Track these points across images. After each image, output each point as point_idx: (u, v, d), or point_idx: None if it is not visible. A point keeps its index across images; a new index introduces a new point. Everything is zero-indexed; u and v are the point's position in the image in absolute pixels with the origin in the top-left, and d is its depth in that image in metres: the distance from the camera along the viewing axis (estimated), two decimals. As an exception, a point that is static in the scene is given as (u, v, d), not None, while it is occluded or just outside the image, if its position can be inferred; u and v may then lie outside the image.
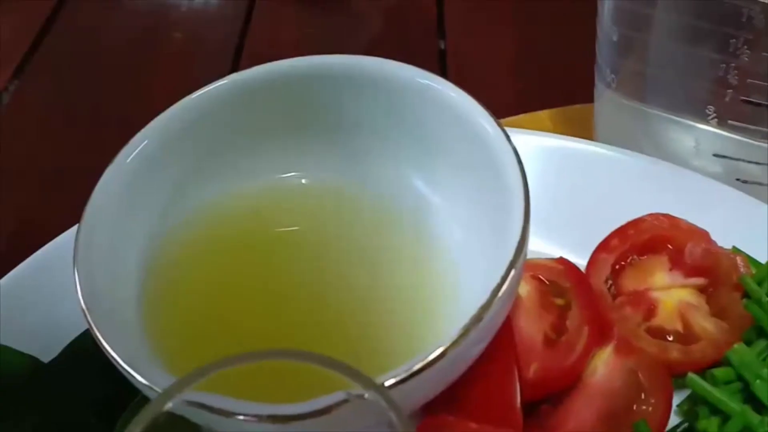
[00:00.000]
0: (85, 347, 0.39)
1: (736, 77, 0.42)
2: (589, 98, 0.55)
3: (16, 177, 0.59)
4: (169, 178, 0.40)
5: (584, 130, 0.54)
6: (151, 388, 0.31)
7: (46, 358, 0.39)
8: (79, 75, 0.69)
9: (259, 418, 0.30)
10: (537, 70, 0.64)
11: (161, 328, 0.38)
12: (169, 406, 0.28)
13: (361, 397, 0.27)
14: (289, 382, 0.30)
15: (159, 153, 0.39)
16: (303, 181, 0.43)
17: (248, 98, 0.41)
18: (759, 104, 0.41)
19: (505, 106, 0.56)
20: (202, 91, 0.40)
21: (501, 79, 0.66)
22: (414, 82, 0.40)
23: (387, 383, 0.29)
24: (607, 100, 0.51)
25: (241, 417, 0.29)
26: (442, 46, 0.68)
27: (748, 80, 0.41)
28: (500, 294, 0.32)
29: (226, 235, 0.41)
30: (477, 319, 0.32)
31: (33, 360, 0.39)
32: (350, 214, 0.42)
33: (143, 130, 0.39)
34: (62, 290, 0.39)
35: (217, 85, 0.40)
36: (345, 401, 0.28)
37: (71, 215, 0.48)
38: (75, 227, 0.41)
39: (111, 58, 0.71)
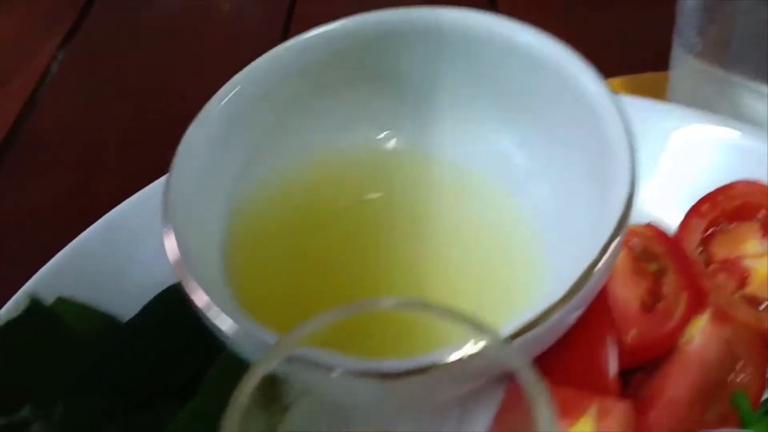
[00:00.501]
0: (162, 307, 0.38)
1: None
2: (660, 66, 0.54)
3: (63, 147, 0.58)
4: (253, 132, 0.39)
5: (657, 98, 0.52)
6: (250, 341, 0.30)
7: (123, 318, 0.38)
8: (128, 44, 0.68)
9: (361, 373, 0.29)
10: (605, 36, 0.62)
11: (245, 283, 0.37)
12: (278, 362, 0.27)
13: (484, 350, 0.26)
14: (390, 338, 0.30)
15: (248, 102, 0.38)
16: (385, 142, 0.42)
17: (330, 54, 0.40)
18: None
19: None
20: (287, 44, 0.39)
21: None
22: (501, 35, 0.38)
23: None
24: (687, 66, 0.50)
25: (341, 372, 0.28)
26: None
27: None
28: (608, 252, 0.31)
29: (309, 194, 0.41)
30: (585, 277, 0.31)
31: (113, 319, 0.38)
32: (434, 178, 0.41)
33: (234, 79, 0.38)
34: (138, 250, 0.39)
35: (302, 38, 0.39)
36: (468, 355, 0.27)
37: (118, 184, 0.48)
38: (144, 189, 0.40)
39: (159, 28, 0.70)
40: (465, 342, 0.27)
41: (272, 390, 0.29)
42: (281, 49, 0.39)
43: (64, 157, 0.58)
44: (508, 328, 0.29)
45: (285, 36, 0.66)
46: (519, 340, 0.29)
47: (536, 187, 0.38)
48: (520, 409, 0.27)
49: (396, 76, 0.41)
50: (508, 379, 0.29)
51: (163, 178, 0.40)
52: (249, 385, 0.26)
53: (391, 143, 0.42)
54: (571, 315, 0.32)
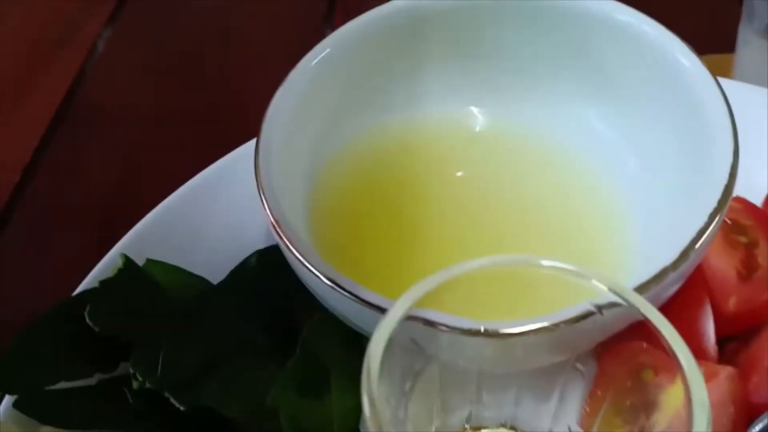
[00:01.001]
0: (251, 270, 0.38)
1: None
2: (722, 48, 0.54)
3: (119, 121, 0.58)
4: (340, 93, 0.39)
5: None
6: (351, 300, 0.30)
7: (214, 280, 0.38)
8: (174, 21, 0.68)
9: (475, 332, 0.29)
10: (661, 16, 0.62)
11: (330, 245, 0.37)
12: (402, 321, 0.27)
13: (613, 305, 0.26)
14: (506, 296, 0.30)
15: (336, 65, 0.38)
16: (470, 116, 0.42)
17: (419, 24, 0.40)
18: None
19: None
20: (376, 11, 0.39)
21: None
22: (594, 11, 0.38)
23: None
24: (755, 48, 0.50)
25: (457, 331, 0.28)
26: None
27: None
28: (717, 218, 0.31)
29: (393, 165, 0.41)
30: (695, 241, 0.31)
31: (203, 281, 0.38)
32: (522, 154, 0.41)
33: (323, 42, 0.38)
34: (221, 215, 0.39)
35: (392, 5, 0.39)
36: (594, 310, 0.27)
37: (168, 165, 0.48)
38: (231, 153, 0.41)
39: (202, 6, 0.70)
40: (593, 295, 0.27)
41: (402, 356, 0.29)
42: (371, 15, 0.39)
43: (117, 132, 0.57)
44: (633, 280, 0.29)
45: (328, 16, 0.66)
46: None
47: (627, 162, 0.39)
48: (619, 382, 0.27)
49: (486, 50, 0.41)
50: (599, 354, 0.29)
51: (243, 147, 0.40)
52: (378, 346, 0.26)
53: (479, 118, 0.42)
54: (678, 282, 0.32)
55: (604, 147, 0.39)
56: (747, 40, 0.51)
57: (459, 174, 0.40)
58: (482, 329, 0.29)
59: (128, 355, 0.34)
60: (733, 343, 0.36)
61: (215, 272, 0.38)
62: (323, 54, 0.37)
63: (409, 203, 0.40)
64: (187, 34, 0.67)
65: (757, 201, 0.41)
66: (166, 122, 0.58)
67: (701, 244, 0.31)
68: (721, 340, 0.36)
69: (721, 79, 0.45)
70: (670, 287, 0.32)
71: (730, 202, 0.32)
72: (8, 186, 0.51)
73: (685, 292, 0.35)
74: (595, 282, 0.27)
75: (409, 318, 0.27)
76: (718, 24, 0.53)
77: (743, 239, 0.38)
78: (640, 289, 0.30)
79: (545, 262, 0.28)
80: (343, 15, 0.65)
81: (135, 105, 0.60)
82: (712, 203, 0.31)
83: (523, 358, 0.30)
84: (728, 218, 0.38)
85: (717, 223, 0.31)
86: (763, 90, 0.46)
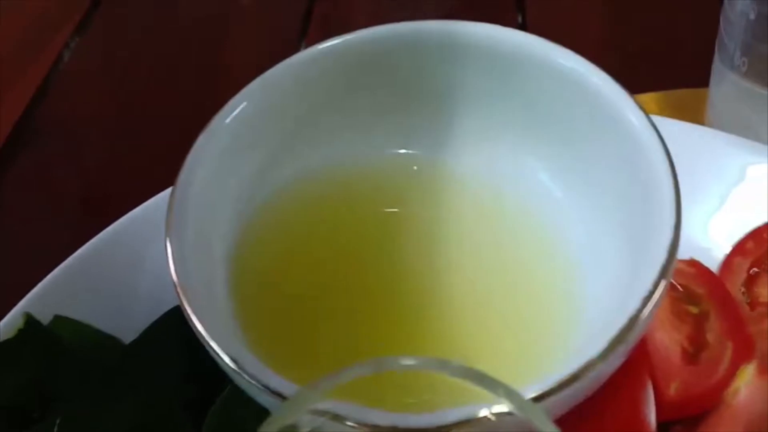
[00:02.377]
0: (166, 330, 0.36)
1: None
2: (697, 82, 0.51)
3: (79, 136, 0.56)
4: (265, 145, 0.36)
5: (694, 118, 0.50)
6: (253, 384, 0.28)
7: (125, 339, 0.36)
8: (140, 33, 0.66)
9: (377, 428, 0.27)
10: (632, 48, 0.60)
11: (251, 312, 0.34)
12: (297, 417, 0.24)
13: (507, 414, 0.24)
14: (415, 391, 0.27)
15: (258, 115, 0.35)
16: (406, 157, 0.39)
17: (347, 65, 0.37)
18: None
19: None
20: (300, 55, 0.36)
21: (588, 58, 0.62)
22: (535, 55, 0.36)
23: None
24: (729, 85, 0.47)
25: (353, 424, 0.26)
26: (520, 20, 0.64)
27: None
28: (651, 302, 0.29)
29: (322, 212, 0.38)
30: (628, 328, 0.28)
31: (114, 340, 0.36)
32: (461, 200, 0.38)
33: (240, 93, 0.35)
34: (140, 267, 0.37)
35: (317, 48, 0.36)
36: (486, 417, 0.25)
37: (134, 177, 0.46)
38: (148, 202, 0.38)
39: (171, 18, 0.68)
40: (491, 401, 0.25)
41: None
42: (293, 60, 0.37)
43: (82, 146, 0.56)
44: (540, 385, 0.26)
45: (303, 32, 0.64)
46: (552, 398, 0.27)
47: (570, 220, 0.36)
48: None
49: (419, 90, 0.38)
50: None
51: (165, 192, 0.38)
52: None
53: (413, 159, 0.39)
54: (610, 370, 0.30)
55: (548, 200, 0.37)
56: (720, 75, 0.48)
57: (392, 211, 0.38)
58: (395, 426, 0.26)
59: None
60: (677, 427, 0.33)
61: (131, 330, 0.36)
62: (239, 108, 0.34)
63: (340, 257, 0.37)
64: (156, 47, 0.65)
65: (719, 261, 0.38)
66: (130, 135, 0.56)
67: (632, 335, 0.28)
68: (665, 425, 0.34)
69: (688, 125, 0.43)
70: (602, 376, 0.29)
71: (667, 283, 0.29)
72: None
73: (626, 371, 0.32)
74: (492, 392, 0.24)
75: (312, 411, 0.25)
76: (696, 56, 0.51)
77: (694, 310, 0.35)
78: (559, 385, 0.27)
79: (449, 368, 0.25)
80: (318, 30, 0.63)
81: (99, 117, 0.58)
82: (648, 285, 0.28)
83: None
84: (679, 284, 0.36)
85: (654, 303, 0.29)
86: (741, 142, 0.43)
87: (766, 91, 0.45)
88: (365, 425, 0.26)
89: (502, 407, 0.25)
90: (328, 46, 0.37)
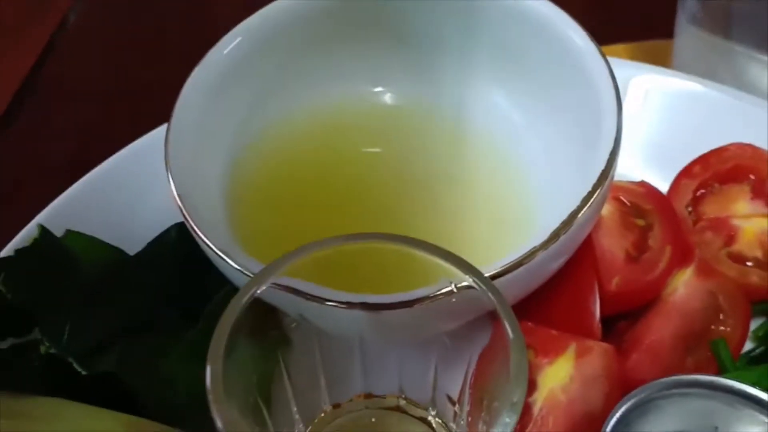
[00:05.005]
0: (167, 243, 0.40)
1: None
2: (667, 34, 0.55)
3: (81, 94, 0.59)
4: (256, 79, 0.40)
5: (662, 65, 0.53)
6: (242, 273, 0.32)
7: (130, 252, 0.40)
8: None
9: (350, 304, 0.30)
10: (611, 4, 0.63)
11: (245, 222, 0.38)
12: (262, 289, 0.28)
13: (467, 287, 0.28)
14: (380, 273, 0.31)
15: (247, 53, 0.39)
16: (383, 96, 0.43)
17: (333, 9, 0.41)
18: None
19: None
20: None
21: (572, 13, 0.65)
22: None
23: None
24: (689, 35, 0.51)
25: (332, 303, 0.30)
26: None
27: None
28: (590, 203, 0.32)
29: (309, 143, 0.42)
30: (567, 224, 0.32)
31: (120, 252, 0.40)
32: (431, 130, 0.42)
33: (234, 30, 0.39)
34: (144, 189, 0.40)
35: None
36: (450, 290, 0.28)
37: (133, 127, 0.49)
38: (157, 129, 0.42)
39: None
40: (450, 279, 0.29)
41: (269, 319, 0.31)
42: (284, 2, 0.40)
43: (80, 102, 0.59)
44: (492, 268, 0.30)
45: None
46: (501, 280, 0.31)
47: (527, 138, 0.40)
48: (501, 348, 0.29)
49: (395, 32, 0.42)
50: (492, 319, 0.30)
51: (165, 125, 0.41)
52: (234, 309, 0.27)
53: (389, 96, 0.43)
54: (554, 260, 0.33)
55: (510, 126, 0.40)
56: (681, 27, 0.51)
57: (373, 150, 0.42)
58: (336, 300, 0.30)
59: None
60: (622, 323, 0.37)
61: (135, 244, 0.40)
62: (234, 43, 0.38)
63: (324, 179, 0.41)
64: (155, 11, 0.68)
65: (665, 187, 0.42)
66: (127, 93, 0.59)
67: (571, 230, 0.32)
68: (611, 319, 0.37)
69: (644, 66, 0.46)
70: (547, 265, 0.33)
71: (605, 189, 0.33)
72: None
73: (575, 270, 0.36)
74: (454, 267, 0.28)
75: (273, 286, 0.29)
76: (664, 9, 0.54)
77: (640, 222, 0.39)
78: (508, 268, 0.31)
79: (417, 245, 0.29)
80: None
81: (99, 77, 0.61)
82: (587, 189, 0.32)
83: (389, 330, 0.31)
84: (628, 201, 0.40)
85: (592, 204, 0.32)
86: (689, 79, 0.47)
87: (722, 40, 0.49)
88: (338, 302, 0.30)
89: (465, 282, 0.28)
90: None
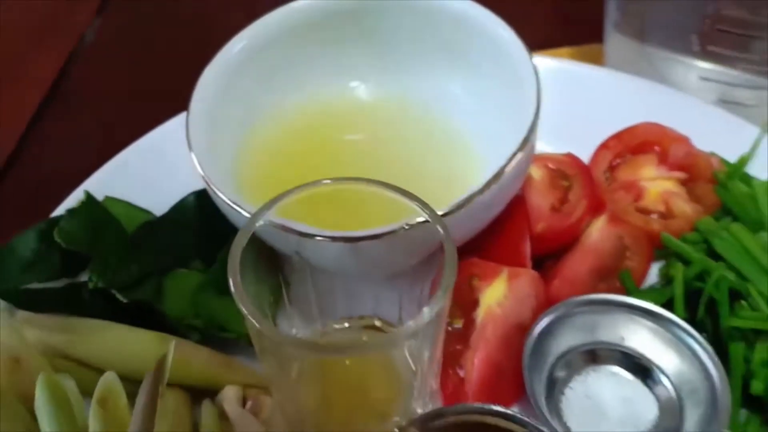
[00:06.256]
0: (187, 206, 0.50)
1: (713, 10, 0.51)
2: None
3: (101, 102, 0.68)
4: (258, 76, 0.50)
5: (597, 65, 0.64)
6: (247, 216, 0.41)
7: (158, 213, 0.50)
8: (156, 14, 0.79)
9: (333, 238, 0.40)
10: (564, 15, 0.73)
11: (250, 185, 0.48)
12: (260, 223, 0.38)
13: (423, 222, 0.37)
14: (360, 214, 0.41)
15: (251, 53, 0.49)
16: (359, 89, 0.53)
17: (316, 19, 0.51)
18: (732, 33, 0.51)
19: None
20: (282, 9, 0.50)
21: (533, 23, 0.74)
22: (450, 7, 0.49)
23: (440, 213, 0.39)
24: (615, 40, 0.61)
25: (320, 238, 0.40)
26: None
27: (723, 11, 0.51)
28: (514, 161, 0.42)
29: (299, 132, 0.52)
30: (497, 177, 0.42)
31: (149, 213, 0.49)
32: (399, 116, 0.52)
33: (241, 33, 0.49)
34: (169, 162, 0.50)
35: (294, 5, 0.50)
36: (410, 225, 0.38)
37: (151, 123, 0.58)
38: (176, 117, 0.52)
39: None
40: (410, 218, 0.38)
41: (272, 260, 0.40)
42: (278, 11, 0.50)
43: (100, 108, 0.68)
44: (442, 209, 0.40)
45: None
46: (449, 218, 0.41)
47: (470, 112, 0.50)
48: (458, 285, 0.38)
49: (367, 38, 0.52)
50: (441, 255, 0.40)
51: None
52: (239, 242, 0.37)
53: (363, 90, 0.53)
54: (489, 205, 0.43)
55: (459, 106, 0.50)
56: (607, 32, 0.61)
57: (354, 137, 0.52)
58: (322, 235, 0.39)
59: (87, 266, 0.45)
60: (549, 261, 0.47)
61: (161, 208, 0.50)
62: (240, 45, 0.48)
63: (313, 158, 0.51)
64: (168, 25, 0.78)
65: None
66: (143, 99, 0.68)
67: (505, 175, 0.42)
68: (541, 258, 0.47)
69: (579, 64, 0.56)
70: (485, 209, 0.42)
71: (526, 152, 0.42)
72: (3, 153, 0.62)
73: (511, 219, 0.46)
74: (415, 205, 0.37)
75: (268, 223, 0.38)
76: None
77: (564, 183, 0.49)
78: (454, 208, 0.40)
79: (383, 187, 0.38)
80: None
81: (117, 85, 0.70)
82: (511, 151, 0.42)
83: (365, 260, 0.40)
84: (555, 167, 0.50)
85: (515, 163, 0.42)
86: (609, 72, 0.57)
87: (637, 42, 0.59)
88: (324, 237, 0.40)
89: (420, 218, 0.38)
90: (306, 3, 0.50)
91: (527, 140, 0.43)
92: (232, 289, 0.35)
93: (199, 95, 0.47)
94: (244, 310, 0.34)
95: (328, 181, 0.39)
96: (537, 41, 0.66)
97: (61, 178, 0.54)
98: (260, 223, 0.37)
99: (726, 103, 0.55)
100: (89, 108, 0.67)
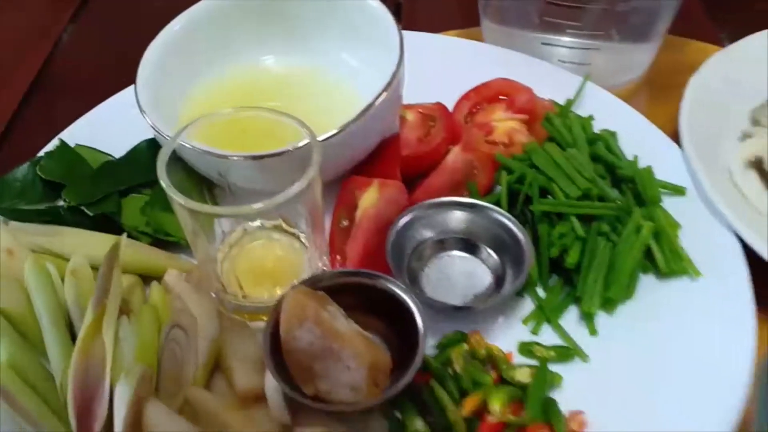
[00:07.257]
0: (140, 150, 0.64)
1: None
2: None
3: (74, 97, 0.82)
4: (193, 49, 0.65)
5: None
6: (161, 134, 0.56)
7: (117, 156, 0.64)
8: (127, 19, 0.93)
9: (245, 158, 0.55)
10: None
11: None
12: (177, 144, 0.52)
13: (306, 144, 0.52)
14: (265, 142, 0.55)
15: (188, 30, 0.64)
16: (272, 61, 0.69)
17: (239, 4, 0.66)
18: (561, 5, 0.66)
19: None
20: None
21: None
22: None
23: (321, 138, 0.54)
24: (485, 25, 0.77)
25: (235, 158, 0.54)
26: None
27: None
28: (381, 99, 0.57)
29: (230, 91, 0.67)
30: (367, 109, 0.57)
31: (109, 156, 0.64)
32: (307, 82, 0.67)
33: (177, 18, 0.64)
34: (126, 119, 0.65)
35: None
36: (299, 146, 0.53)
37: None
38: (128, 88, 0.66)
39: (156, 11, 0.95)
40: (301, 137, 0.53)
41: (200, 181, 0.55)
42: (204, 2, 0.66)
43: (77, 101, 0.82)
44: (325, 135, 0.55)
45: None
46: (330, 140, 0.55)
47: (357, 72, 0.65)
48: (347, 197, 0.53)
49: (279, 20, 0.67)
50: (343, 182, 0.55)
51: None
52: (161, 159, 0.51)
53: (274, 61, 0.68)
54: (362, 132, 0.57)
55: (351, 69, 0.65)
56: (481, 18, 0.77)
57: (273, 103, 0.66)
58: (237, 155, 0.54)
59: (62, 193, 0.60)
60: (417, 182, 0.62)
61: (119, 152, 0.64)
62: (178, 25, 0.63)
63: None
64: (134, 31, 0.92)
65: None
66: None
67: (374, 109, 0.56)
68: (412, 179, 0.62)
69: (459, 40, 0.72)
70: (360, 135, 0.57)
71: (391, 93, 0.57)
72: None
73: (387, 149, 0.61)
74: (303, 130, 0.52)
75: (192, 147, 0.53)
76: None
77: (431, 123, 0.64)
78: (335, 133, 0.55)
79: (283, 116, 0.53)
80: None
81: (92, 80, 0.85)
82: (378, 92, 0.57)
83: (272, 175, 0.55)
84: (425, 112, 0.65)
85: (381, 101, 0.57)
86: (480, 45, 0.72)
87: (495, 24, 0.74)
88: (237, 156, 0.54)
89: (305, 140, 0.53)
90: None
91: (390, 84, 0.57)
92: (162, 182, 0.49)
93: (145, 63, 0.62)
94: (171, 193, 0.48)
95: (230, 110, 0.54)
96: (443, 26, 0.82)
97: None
98: (178, 140, 0.52)
99: (562, 62, 0.70)
100: (66, 102, 0.82)
